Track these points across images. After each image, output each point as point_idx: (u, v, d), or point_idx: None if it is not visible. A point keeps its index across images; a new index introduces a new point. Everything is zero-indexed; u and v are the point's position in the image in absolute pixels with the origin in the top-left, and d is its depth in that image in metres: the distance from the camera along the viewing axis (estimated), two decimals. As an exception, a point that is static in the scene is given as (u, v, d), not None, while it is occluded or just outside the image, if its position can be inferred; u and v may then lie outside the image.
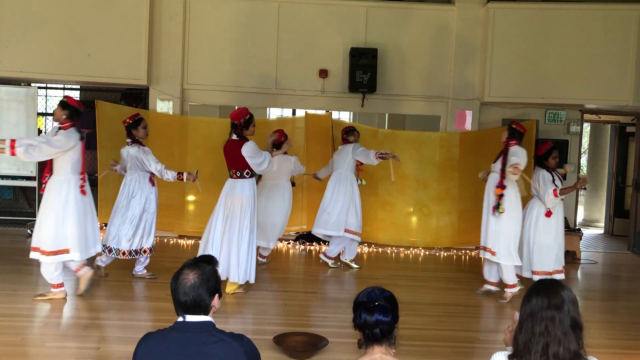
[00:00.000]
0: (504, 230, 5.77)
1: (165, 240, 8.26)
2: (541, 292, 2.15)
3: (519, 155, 5.74)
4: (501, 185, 5.75)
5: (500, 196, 5.72)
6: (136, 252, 6.02)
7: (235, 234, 5.55)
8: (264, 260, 7.05)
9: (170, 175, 5.96)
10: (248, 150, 5.54)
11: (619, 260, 8.59)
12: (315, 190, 8.48)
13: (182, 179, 6.01)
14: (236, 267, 5.53)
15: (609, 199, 11.04)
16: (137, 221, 5.98)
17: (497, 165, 5.90)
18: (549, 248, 5.93)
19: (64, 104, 5.28)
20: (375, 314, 2.23)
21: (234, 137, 5.66)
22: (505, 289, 5.88)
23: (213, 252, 5.48)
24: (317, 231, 7.06)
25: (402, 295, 5.90)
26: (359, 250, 8.21)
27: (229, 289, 5.57)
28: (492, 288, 6.07)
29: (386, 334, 2.25)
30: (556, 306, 2.10)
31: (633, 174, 9.49)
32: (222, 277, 5.31)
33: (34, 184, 8.34)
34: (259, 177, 6.11)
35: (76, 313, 5.11)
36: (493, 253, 5.83)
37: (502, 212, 5.71)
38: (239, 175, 5.66)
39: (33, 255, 5.18)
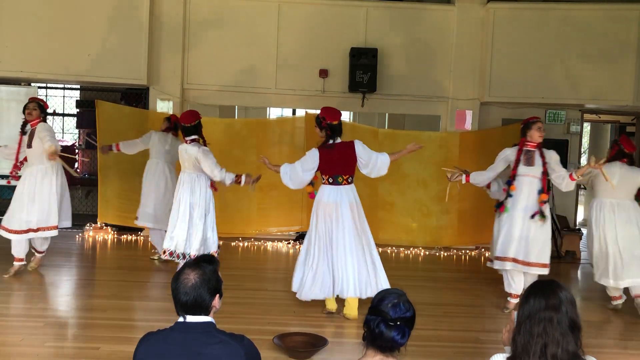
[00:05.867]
0: (547, 239, 5.40)
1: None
2: (539, 293, 2.14)
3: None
4: (546, 191, 5.35)
5: (545, 202, 5.32)
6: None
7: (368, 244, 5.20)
8: None
9: (228, 178, 5.63)
10: (365, 148, 5.15)
11: (619, 260, 8.58)
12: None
13: (240, 182, 5.68)
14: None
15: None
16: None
17: (537, 169, 5.36)
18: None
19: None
20: (393, 333, 2.14)
21: (336, 140, 5.12)
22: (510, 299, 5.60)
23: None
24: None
25: (402, 295, 5.92)
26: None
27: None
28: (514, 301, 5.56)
29: (394, 350, 2.20)
30: (554, 307, 2.09)
31: (633, 174, 9.47)
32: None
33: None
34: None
35: (76, 313, 5.11)
36: (545, 265, 5.34)
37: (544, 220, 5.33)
38: (350, 180, 5.18)
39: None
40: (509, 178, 5.48)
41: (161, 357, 2.24)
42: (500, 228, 5.50)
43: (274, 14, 8.53)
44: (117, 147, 6.87)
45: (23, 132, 6.10)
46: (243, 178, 5.66)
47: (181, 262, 5.63)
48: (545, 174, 5.35)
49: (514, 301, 5.49)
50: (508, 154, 5.54)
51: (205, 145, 5.83)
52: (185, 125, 5.76)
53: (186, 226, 5.68)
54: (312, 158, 5.08)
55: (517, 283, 5.48)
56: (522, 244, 5.36)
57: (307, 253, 5.17)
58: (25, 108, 6.09)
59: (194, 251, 5.65)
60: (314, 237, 5.13)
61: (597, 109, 9.07)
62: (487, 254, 7.82)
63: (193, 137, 5.77)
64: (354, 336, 4.58)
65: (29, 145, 5.94)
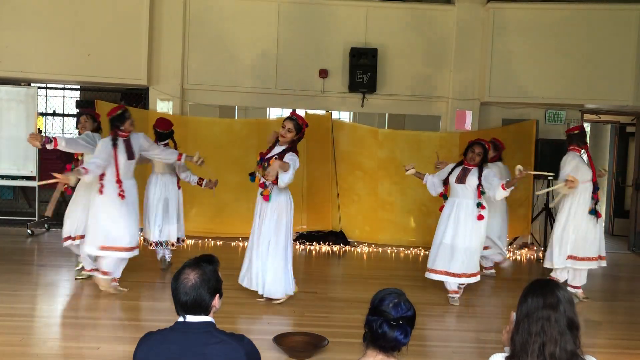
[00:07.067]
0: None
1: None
2: (537, 292, 2.14)
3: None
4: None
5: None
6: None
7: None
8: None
9: (192, 181, 6.35)
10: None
11: (619, 260, 8.58)
12: (316, 191, 8.48)
13: (201, 185, 6.31)
14: None
15: (609, 199, 11.03)
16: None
17: (590, 174, 5.87)
18: None
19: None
20: (396, 332, 2.14)
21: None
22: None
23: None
24: None
25: (402, 295, 5.91)
26: (359, 250, 8.21)
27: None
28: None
29: (396, 349, 2.20)
30: (552, 306, 2.10)
31: (633, 174, 9.49)
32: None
33: (34, 184, 8.32)
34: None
35: (76, 313, 5.11)
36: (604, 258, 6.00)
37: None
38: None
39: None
40: (595, 185, 5.87)
41: (161, 357, 2.24)
42: (588, 230, 5.84)
43: (274, 14, 8.53)
44: (55, 143, 5.32)
45: (115, 145, 5.38)
46: (204, 182, 6.32)
47: (159, 250, 6.50)
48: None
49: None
50: (575, 158, 5.83)
51: (176, 148, 6.32)
52: (161, 132, 6.33)
53: (164, 219, 6.38)
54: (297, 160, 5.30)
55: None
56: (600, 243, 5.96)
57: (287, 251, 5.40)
58: (124, 118, 5.43)
59: (172, 238, 6.44)
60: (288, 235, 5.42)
61: (597, 109, 9.07)
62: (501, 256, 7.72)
63: (165, 142, 6.33)
64: (354, 336, 4.57)
65: (133, 157, 5.49)
